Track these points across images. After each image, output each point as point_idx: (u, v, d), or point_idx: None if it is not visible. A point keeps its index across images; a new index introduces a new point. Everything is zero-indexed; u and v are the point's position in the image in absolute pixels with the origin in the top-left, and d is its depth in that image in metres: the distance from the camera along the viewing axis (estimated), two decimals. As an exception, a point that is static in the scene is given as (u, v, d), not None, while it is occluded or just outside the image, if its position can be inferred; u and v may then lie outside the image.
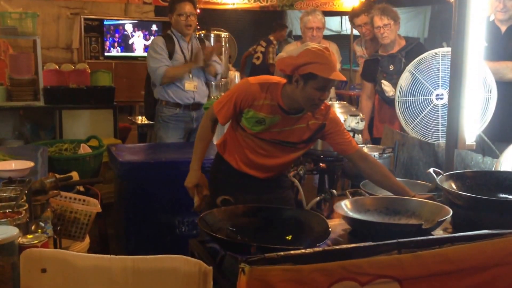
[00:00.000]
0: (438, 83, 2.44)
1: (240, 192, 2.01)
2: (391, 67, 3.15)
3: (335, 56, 1.94)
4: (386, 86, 3.08)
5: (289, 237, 1.50)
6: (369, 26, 3.58)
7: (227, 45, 4.14)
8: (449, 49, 2.19)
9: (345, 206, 1.59)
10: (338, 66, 3.80)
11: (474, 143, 1.99)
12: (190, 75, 3.35)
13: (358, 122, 2.72)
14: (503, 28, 2.60)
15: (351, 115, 2.72)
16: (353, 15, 3.84)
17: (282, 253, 1.13)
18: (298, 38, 7.14)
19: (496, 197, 1.61)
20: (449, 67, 2.05)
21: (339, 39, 6.99)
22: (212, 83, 3.84)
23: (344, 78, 2.24)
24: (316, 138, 2.10)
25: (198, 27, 3.83)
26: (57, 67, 4.29)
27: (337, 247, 1.21)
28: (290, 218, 1.56)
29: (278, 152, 2.07)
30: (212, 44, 3.61)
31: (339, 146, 2.05)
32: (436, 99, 2.45)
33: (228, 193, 1.88)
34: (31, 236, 1.37)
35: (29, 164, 2.36)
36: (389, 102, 3.12)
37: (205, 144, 2.18)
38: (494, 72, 2.29)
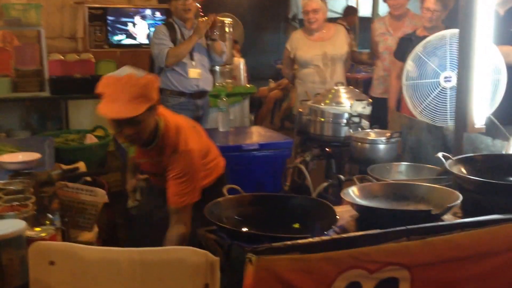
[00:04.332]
0: (446, 65, 2.39)
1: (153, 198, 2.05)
2: None
3: (136, 89, 1.70)
4: (410, 66, 3.00)
5: (297, 225, 1.49)
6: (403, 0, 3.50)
7: (231, 30, 4.08)
8: (456, 30, 2.14)
9: (352, 192, 1.58)
10: (346, 48, 3.70)
11: (484, 126, 1.95)
12: (193, 63, 3.32)
13: (364, 107, 2.69)
14: (502, 12, 2.53)
15: (357, 100, 2.69)
16: None
17: (289, 242, 1.12)
18: (303, 22, 7.04)
19: (507, 181, 1.59)
20: (457, 48, 2.01)
21: (345, 21, 6.88)
22: (217, 69, 3.80)
23: (126, 115, 1.72)
24: None
25: (202, 13, 3.77)
26: (62, 57, 4.29)
27: (345, 235, 1.20)
28: (297, 206, 1.55)
29: (159, 181, 1.99)
30: (216, 33, 3.54)
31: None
32: (445, 81, 2.40)
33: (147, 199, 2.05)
34: (38, 228, 1.37)
35: (36, 155, 2.37)
36: None
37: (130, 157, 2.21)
38: None
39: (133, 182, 2.28)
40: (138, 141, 1.86)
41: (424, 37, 3.04)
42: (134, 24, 6.97)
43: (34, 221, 1.46)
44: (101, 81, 1.78)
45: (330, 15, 3.88)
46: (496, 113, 2.17)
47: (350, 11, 6.54)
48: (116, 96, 1.70)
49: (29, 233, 1.32)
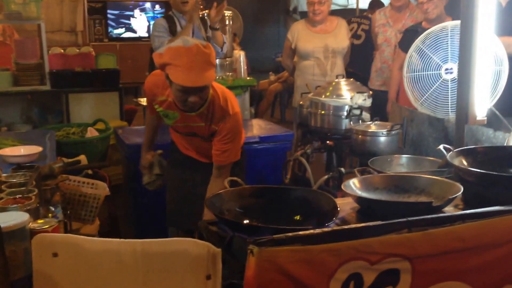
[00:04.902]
0: (447, 57, 2.38)
1: (189, 173, 2.15)
2: None
3: (205, 57, 1.78)
4: (413, 58, 2.98)
5: (298, 217, 1.50)
6: None
7: (231, 23, 4.06)
8: (457, 22, 2.13)
9: (353, 185, 1.58)
10: (347, 41, 3.71)
11: (485, 117, 1.95)
12: None
13: (365, 99, 2.68)
14: (504, 2, 2.52)
15: (358, 92, 2.68)
16: None
17: (290, 234, 1.12)
18: (304, 14, 7.02)
19: (509, 173, 1.58)
20: (458, 40, 2.00)
21: (346, 13, 6.85)
22: (217, 62, 3.79)
23: (204, 83, 1.83)
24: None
25: (202, 6, 3.76)
26: (62, 51, 4.28)
27: (346, 227, 1.20)
28: (298, 198, 1.55)
29: (196, 141, 2.11)
30: (218, 24, 3.51)
31: (214, 150, 2.03)
32: (446, 73, 2.40)
33: (179, 173, 2.17)
34: (41, 221, 1.38)
35: (38, 149, 2.38)
36: None
37: (148, 131, 2.32)
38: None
39: (149, 157, 2.33)
40: (198, 107, 1.92)
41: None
42: (134, 17, 6.96)
43: (36, 214, 1.47)
44: (167, 52, 1.81)
45: (331, 7, 3.85)
46: (498, 105, 2.17)
47: (376, 3, 6.50)
48: (191, 65, 1.76)
49: (32, 225, 1.33)
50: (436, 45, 2.39)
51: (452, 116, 2.27)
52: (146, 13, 7.01)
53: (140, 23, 7.04)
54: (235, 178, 1.68)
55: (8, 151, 2.36)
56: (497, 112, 2.12)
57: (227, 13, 4.08)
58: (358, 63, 4.03)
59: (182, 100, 1.86)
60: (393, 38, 3.60)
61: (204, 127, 2.03)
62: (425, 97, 2.43)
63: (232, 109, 2.00)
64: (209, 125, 2.01)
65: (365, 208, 1.52)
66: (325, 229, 1.17)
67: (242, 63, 4.24)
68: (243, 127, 2.13)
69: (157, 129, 2.34)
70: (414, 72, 2.45)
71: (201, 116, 1.98)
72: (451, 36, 2.34)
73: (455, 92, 2.10)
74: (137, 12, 6.99)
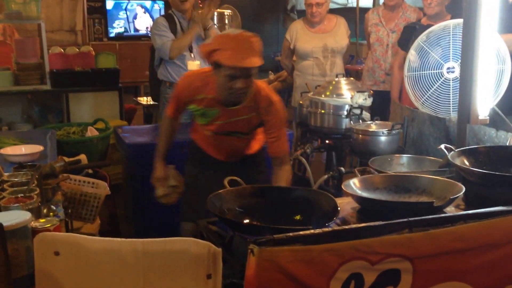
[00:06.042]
0: (449, 56, 2.38)
1: (208, 171, 2.12)
2: None
3: (252, 44, 1.83)
4: (412, 56, 2.98)
5: (298, 217, 1.50)
6: None
7: (231, 22, 4.06)
8: (459, 20, 2.13)
9: (353, 184, 1.58)
10: (346, 40, 3.71)
11: (488, 117, 1.94)
12: (192, 54, 3.30)
13: (365, 99, 2.68)
14: (510, 0, 2.51)
15: (358, 92, 2.68)
16: None
17: (291, 233, 1.12)
18: (301, 13, 6.99)
19: (511, 173, 1.58)
20: (460, 39, 2.00)
21: (346, 12, 6.84)
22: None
23: (253, 64, 1.86)
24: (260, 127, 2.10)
25: (201, 5, 3.75)
26: (62, 51, 4.28)
27: (347, 227, 1.20)
28: (299, 198, 1.55)
29: (228, 140, 2.10)
30: (215, 24, 3.54)
31: (267, 142, 2.06)
32: (447, 72, 2.40)
33: (198, 172, 2.14)
34: (43, 220, 1.39)
35: (39, 148, 2.38)
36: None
37: (166, 140, 2.27)
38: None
39: (165, 170, 2.28)
40: (244, 96, 1.94)
41: (429, 26, 3.01)
42: (133, 16, 6.95)
43: (38, 213, 1.47)
44: (215, 39, 1.88)
45: (331, 6, 3.85)
46: (500, 104, 2.16)
47: None
48: (241, 48, 1.82)
49: (34, 224, 1.33)
50: (438, 43, 2.39)
51: (453, 115, 2.26)
52: (145, 12, 7.00)
53: (140, 22, 7.03)
54: (235, 178, 1.68)
55: (9, 150, 2.36)
56: (499, 112, 2.11)
57: (226, 12, 4.08)
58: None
59: (228, 87, 1.86)
60: (385, 38, 3.60)
61: (248, 120, 2.03)
62: (426, 96, 2.42)
63: (274, 96, 2.04)
64: (255, 115, 2.02)
65: (366, 207, 1.51)
66: (326, 229, 1.16)
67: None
68: None
69: (174, 136, 2.29)
70: (415, 71, 2.44)
71: (244, 109, 2.00)
72: (453, 34, 2.33)
73: (457, 92, 2.09)
74: (137, 10, 6.98)
